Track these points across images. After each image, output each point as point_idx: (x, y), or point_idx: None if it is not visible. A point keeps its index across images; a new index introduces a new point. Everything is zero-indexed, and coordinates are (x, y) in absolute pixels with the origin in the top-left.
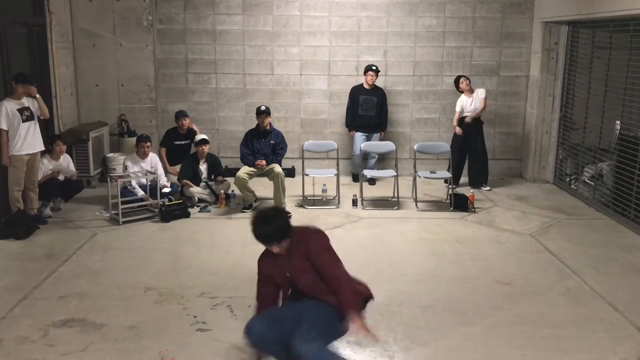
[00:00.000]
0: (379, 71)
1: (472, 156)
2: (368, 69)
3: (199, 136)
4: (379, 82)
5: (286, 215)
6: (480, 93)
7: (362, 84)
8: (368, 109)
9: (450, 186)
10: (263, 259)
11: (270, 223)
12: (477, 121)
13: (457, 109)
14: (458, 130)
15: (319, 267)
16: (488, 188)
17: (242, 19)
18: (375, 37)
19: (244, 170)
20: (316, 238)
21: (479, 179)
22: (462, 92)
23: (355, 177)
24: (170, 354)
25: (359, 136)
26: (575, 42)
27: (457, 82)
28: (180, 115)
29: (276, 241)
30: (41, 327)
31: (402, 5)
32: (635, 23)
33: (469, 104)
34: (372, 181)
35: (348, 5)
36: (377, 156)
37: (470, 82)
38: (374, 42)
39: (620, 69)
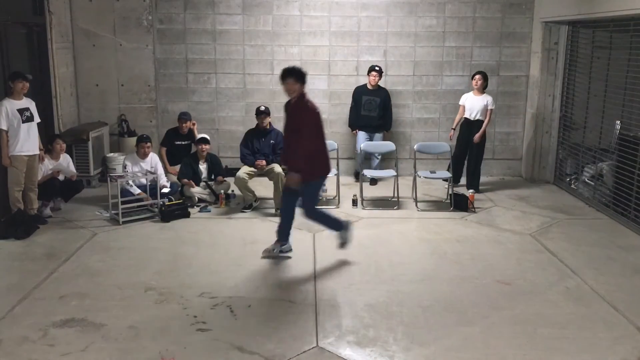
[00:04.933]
0: (382, 72)
1: (468, 157)
2: (371, 69)
3: (200, 135)
4: (381, 82)
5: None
6: (489, 103)
7: (365, 84)
8: (370, 110)
9: (449, 185)
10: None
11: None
12: (478, 122)
13: (460, 102)
14: (451, 133)
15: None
16: (471, 191)
17: (242, 19)
18: (375, 37)
19: (244, 170)
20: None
21: (468, 183)
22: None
23: (358, 175)
24: (170, 354)
25: (361, 135)
26: (575, 42)
27: (473, 76)
28: (182, 117)
29: (293, 79)
30: (41, 327)
31: (402, 5)
32: (635, 23)
33: (470, 103)
34: (373, 181)
35: (348, 5)
36: (380, 157)
37: (485, 82)
38: (374, 42)
39: (620, 69)
